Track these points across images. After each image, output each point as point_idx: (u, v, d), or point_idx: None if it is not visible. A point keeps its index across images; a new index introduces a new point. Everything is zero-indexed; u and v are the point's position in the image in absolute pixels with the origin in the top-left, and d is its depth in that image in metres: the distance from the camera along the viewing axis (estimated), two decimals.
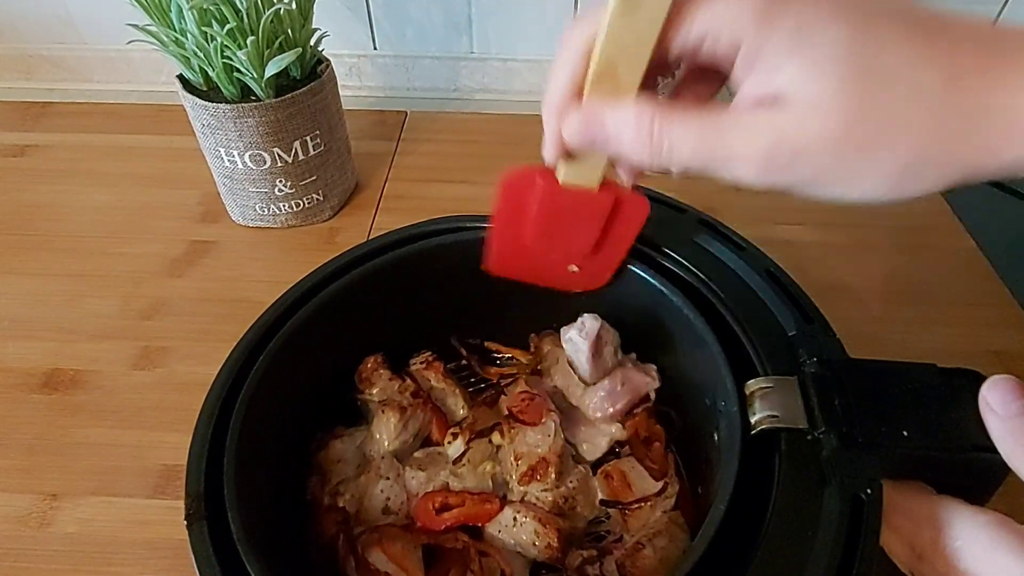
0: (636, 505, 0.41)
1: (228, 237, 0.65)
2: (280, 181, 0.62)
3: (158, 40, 0.56)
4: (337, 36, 0.66)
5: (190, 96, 0.58)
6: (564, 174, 0.35)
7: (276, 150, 0.60)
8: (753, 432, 0.33)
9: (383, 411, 0.43)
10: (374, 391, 0.44)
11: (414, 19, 0.79)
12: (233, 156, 0.60)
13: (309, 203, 0.65)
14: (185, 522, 0.32)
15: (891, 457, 0.31)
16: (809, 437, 0.32)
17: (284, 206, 0.64)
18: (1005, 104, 0.23)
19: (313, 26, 0.60)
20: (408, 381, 0.45)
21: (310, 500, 0.41)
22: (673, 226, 0.44)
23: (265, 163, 0.61)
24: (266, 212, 0.65)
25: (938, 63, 0.23)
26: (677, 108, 0.27)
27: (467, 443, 0.42)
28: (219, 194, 0.66)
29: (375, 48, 0.82)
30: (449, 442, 0.42)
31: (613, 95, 0.29)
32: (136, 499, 0.45)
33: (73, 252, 0.63)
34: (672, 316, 0.41)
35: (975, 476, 0.32)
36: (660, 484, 0.42)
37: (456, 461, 0.41)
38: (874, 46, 0.23)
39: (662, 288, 0.41)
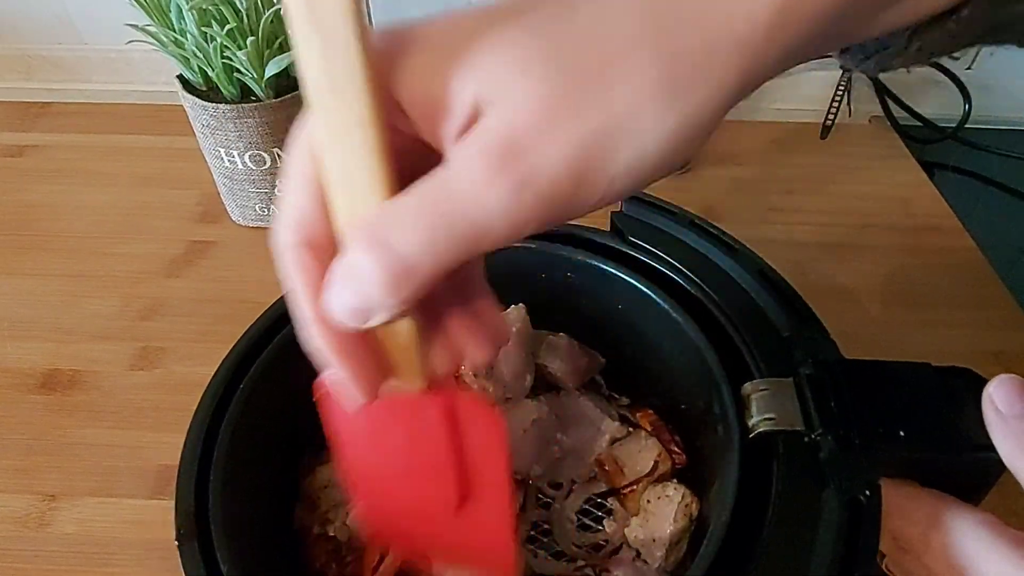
0: (629, 488, 0.41)
1: (228, 237, 0.65)
2: (280, 181, 0.62)
3: (158, 40, 0.56)
4: None
5: (190, 96, 0.58)
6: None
7: (276, 150, 0.60)
8: (751, 435, 0.33)
9: None
10: None
11: (414, 19, 0.79)
12: (233, 156, 0.60)
13: None
14: (176, 542, 0.31)
15: (888, 458, 0.31)
16: (806, 439, 0.32)
17: None
18: None
19: None
20: None
21: (299, 529, 0.40)
22: (663, 228, 0.44)
23: (265, 163, 0.61)
24: (266, 212, 0.65)
25: None
26: (389, 205, 0.19)
27: None
28: (219, 194, 0.66)
29: None
30: None
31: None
32: (135, 499, 0.45)
33: (72, 252, 0.63)
34: (663, 320, 0.40)
35: (971, 476, 0.31)
36: (651, 464, 0.41)
37: None
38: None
39: (651, 293, 0.41)
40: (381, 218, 0.19)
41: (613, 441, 0.44)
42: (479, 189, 0.18)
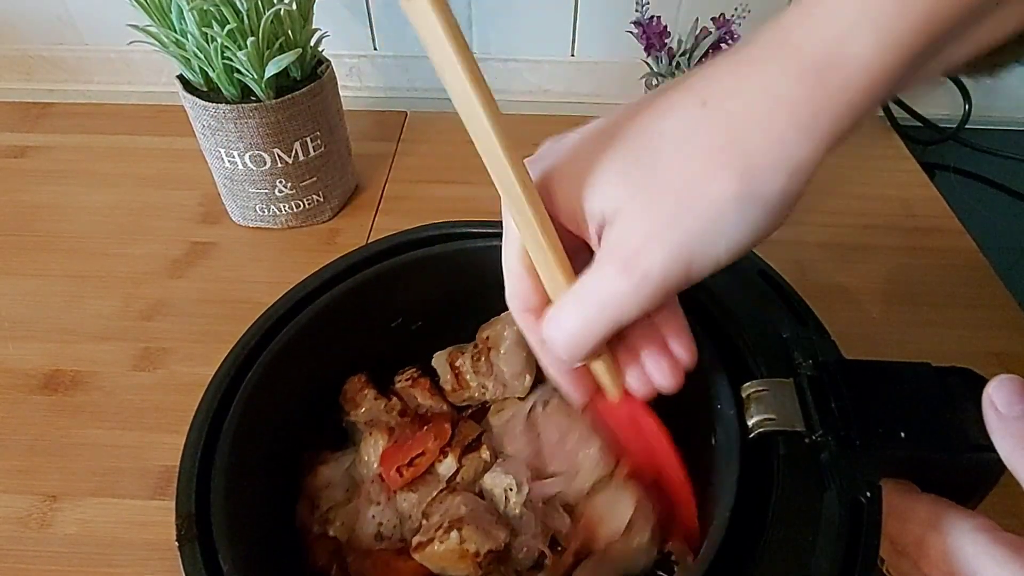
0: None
1: (228, 238, 0.65)
2: (280, 182, 0.63)
3: (158, 41, 0.56)
4: (337, 36, 0.66)
5: (190, 97, 0.58)
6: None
7: (276, 151, 0.60)
8: (751, 436, 0.33)
9: (370, 433, 0.42)
10: (360, 412, 0.44)
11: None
12: (233, 157, 0.60)
13: (309, 204, 0.65)
14: (176, 543, 0.32)
15: (889, 459, 0.31)
16: (807, 440, 0.32)
17: (284, 207, 0.65)
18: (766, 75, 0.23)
19: (313, 26, 0.60)
20: (394, 400, 0.44)
21: (299, 528, 0.40)
22: None
23: (265, 164, 0.61)
24: (266, 213, 0.65)
25: (690, 96, 0.25)
26: (560, 302, 0.29)
27: (459, 460, 0.41)
28: (219, 195, 0.66)
29: (375, 49, 0.82)
30: (440, 461, 0.41)
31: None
32: (136, 500, 0.45)
33: (73, 253, 0.63)
34: None
35: (971, 476, 0.32)
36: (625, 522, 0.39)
37: (449, 480, 0.40)
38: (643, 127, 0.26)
39: None
40: (556, 307, 0.29)
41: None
42: (613, 286, 0.26)
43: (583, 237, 0.28)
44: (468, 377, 0.45)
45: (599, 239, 0.27)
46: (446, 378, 0.46)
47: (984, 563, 0.27)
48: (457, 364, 0.45)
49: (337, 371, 0.45)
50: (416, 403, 0.45)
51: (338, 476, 0.42)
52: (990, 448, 0.28)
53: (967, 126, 0.75)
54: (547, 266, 0.29)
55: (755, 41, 0.23)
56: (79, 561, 0.43)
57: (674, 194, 0.24)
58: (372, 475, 0.41)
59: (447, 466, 0.41)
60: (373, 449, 0.41)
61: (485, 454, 0.41)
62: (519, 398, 0.45)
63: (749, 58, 0.23)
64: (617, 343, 0.32)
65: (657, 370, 0.32)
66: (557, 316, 0.29)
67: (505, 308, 0.45)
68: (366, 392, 0.44)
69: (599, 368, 0.33)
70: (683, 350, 0.32)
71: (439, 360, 0.46)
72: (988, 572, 0.27)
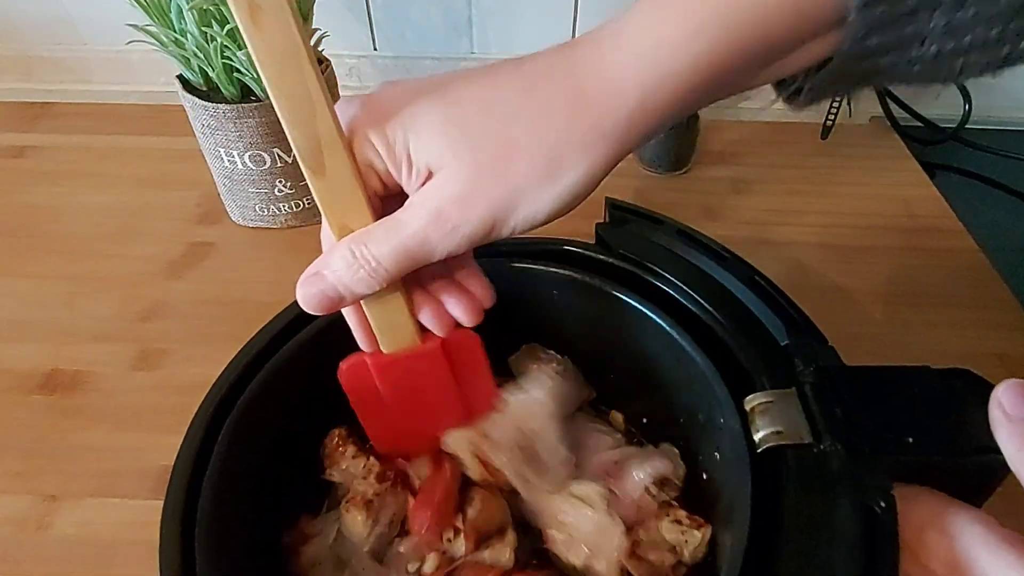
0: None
1: (228, 238, 0.65)
2: (280, 182, 0.62)
3: (158, 40, 0.56)
4: (337, 36, 0.66)
5: (190, 96, 0.58)
6: (382, 343, 0.35)
7: (276, 150, 0.60)
8: (759, 451, 0.32)
9: (347, 510, 0.38)
10: (338, 469, 0.41)
11: (414, 20, 0.79)
12: (233, 156, 0.60)
13: (309, 203, 0.65)
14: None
15: (898, 464, 0.30)
16: (815, 450, 0.31)
17: (284, 207, 0.64)
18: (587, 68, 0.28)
19: (313, 26, 0.60)
20: (372, 460, 0.41)
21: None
22: (650, 239, 0.43)
23: (265, 163, 0.61)
24: (266, 213, 0.65)
25: (518, 80, 0.29)
26: (368, 228, 0.31)
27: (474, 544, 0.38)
28: (219, 195, 0.66)
29: (375, 49, 0.82)
30: (450, 540, 0.38)
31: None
32: (135, 500, 0.45)
33: (72, 254, 0.63)
34: (655, 335, 0.39)
35: (975, 478, 0.31)
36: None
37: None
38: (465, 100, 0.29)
39: (641, 307, 0.40)
40: (364, 232, 0.31)
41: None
42: (424, 228, 0.29)
43: (395, 179, 0.31)
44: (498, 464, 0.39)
45: (417, 184, 0.30)
46: (472, 467, 0.40)
47: (987, 558, 0.27)
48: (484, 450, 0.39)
49: (314, 421, 0.42)
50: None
51: (324, 552, 0.38)
52: (995, 450, 0.28)
53: (967, 126, 0.75)
54: (352, 208, 0.30)
55: (581, 43, 0.28)
56: (78, 562, 0.42)
57: (491, 164, 0.28)
58: (359, 552, 0.38)
59: (459, 546, 0.38)
60: (352, 526, 0.38)
61: (511, 537, 0.38)
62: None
63: (572, 59, 0.28)
64: (413, 286, 0.34)
65: (457, 307, 0.35)
66: (366, 238, 0.30)
67: (516, 333, 0.44)
68: (344, 449, 0.41)
69: (397, 309, 0.34)
70: (481, 288, 0.36)
71: (458, 443, 0.40)
72: (986, 563, 0.27)
